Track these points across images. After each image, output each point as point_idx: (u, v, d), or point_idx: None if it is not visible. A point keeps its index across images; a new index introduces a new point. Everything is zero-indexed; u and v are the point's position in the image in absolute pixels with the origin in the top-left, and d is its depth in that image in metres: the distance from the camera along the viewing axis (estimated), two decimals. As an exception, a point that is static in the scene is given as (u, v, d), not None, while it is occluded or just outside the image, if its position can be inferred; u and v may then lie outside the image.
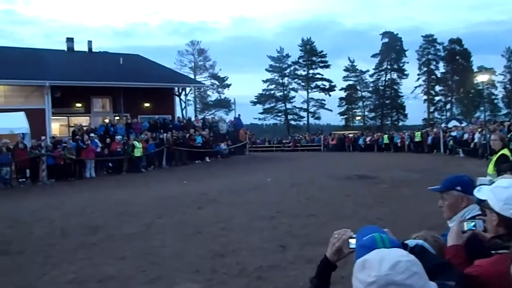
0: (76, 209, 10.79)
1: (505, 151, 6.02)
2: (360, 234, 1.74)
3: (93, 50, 30.25)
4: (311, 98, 64.40)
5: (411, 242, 1.92)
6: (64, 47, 29.08)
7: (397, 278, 1.18)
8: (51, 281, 5.80)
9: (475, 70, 56.28)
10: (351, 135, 40.21)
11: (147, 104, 26.73)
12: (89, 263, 6.47)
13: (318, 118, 65.18)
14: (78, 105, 25.46)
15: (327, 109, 64.19)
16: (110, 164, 20.37)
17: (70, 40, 29.29)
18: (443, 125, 34.04)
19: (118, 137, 20.62)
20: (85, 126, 22.62)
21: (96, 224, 8.99)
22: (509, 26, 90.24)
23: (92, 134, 20.23)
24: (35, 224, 9.25)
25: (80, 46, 30.64)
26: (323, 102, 64.08)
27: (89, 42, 30.20)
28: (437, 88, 63.16)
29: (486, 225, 2.04)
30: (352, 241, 1.78)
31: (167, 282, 5.56)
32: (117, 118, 24.75)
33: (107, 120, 24.37)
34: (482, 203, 2.07)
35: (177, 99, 28.18)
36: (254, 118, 63.03)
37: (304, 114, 65.07)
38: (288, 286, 5.26)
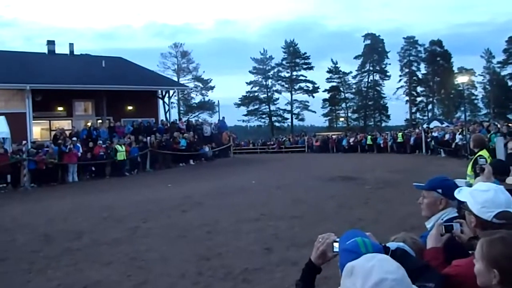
0: (60, 215, 10.68)
1: (483, 152, 6.12)
2: (343, 238, 1.79)
3: (75, 53, 29.97)
4: (295, 100, 64.83)
5: (391, 245, 1.98)
6: (45, 50, 28.74)
7: None
8: (36, 288, 5.75)
9: (456, 71, 57.25)
10: (335, 136, 40.47)
11: (130, 107, 26.56)
12: (74, 269, 6.42)
13: (302, 119, 65.66)
14: (60, 108, 25.21)
15: (310, 110, 64.70)
16: (93, 168, 20.18)
17: (51, 43, 29.01)
18: (424, 125, 34.55)
19: (100, 141, 20.46)
20: (67, 130, 22.39)
21: (80, 229, 8.91)
22: (488, 27, 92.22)
23: (74, 138, 20.01)
24: (18, 230, 9.13)
25: (61, 48, 30.35)
26: (306, 103, 64.56)
27: (71, 45, 29.96)
28: (419, 89, 64.08)
29: (463, 228, 2.13)
30: (336, 245, 1.83)
31: (153, 287, 5.57)
32: (99, 121, 24.54)
33: (89, 124, 24.15)
34: (461, 205, 2.15)
35: (160, 102, 28.06)
36: (238, 120, 63.18)
37: (288, 115, 65.43)
38: (274, 288, 5.31)
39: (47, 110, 24.02)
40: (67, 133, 21.41)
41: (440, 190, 2.57)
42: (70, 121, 25.08)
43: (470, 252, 1.95)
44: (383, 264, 1.29)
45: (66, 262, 6.76)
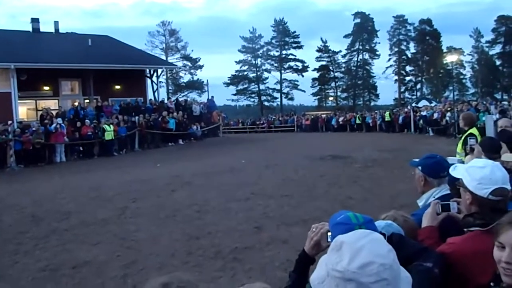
0: (47, 195, 10.57)
1: (473, 130, 6.13)
2: (333, 217, 1.74)
3: (60, 31, 29.30)
4: (284, 79, 64.65)
5: (383, 227, 1.91)
6: (29, 28, 28.05)
7: (363, 279, 1.15)
8: (24, 269, 5.69)
9: (445, 50, 57.35)
10: (324, 115, 40.54)
11: (117, 87, 26.14)
12: (62, 249, 6.36)
13: (291, 99, 65.60)
14: (46, 88, 24.70)
15: (300, 89, 64.63)
16: (81, 148, 19.98)
17: (35, 21, 28.21)
18: (413, 104, 34.67)
19: (88, 121, 20.21)
20: (53, 109, 22.03)
21: (68, 209, 8.83)
22: (478, 6, 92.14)
23: (59, 119, 19.69)
24: (5, 211, 9.02)
25: (46, 27, 29.62)
26: (296, 83, 64.47)
27: (56, 23, 29.25)
28: (408, 68, 64.17)
29: (460, 206, 2.09)
30: (330, 234, 1.77)
31: (142, 266, 5.54)
32: (86, 101, 24.19)
33: (76, 103, 23.76)
34: (456, 182, 2.10)
35: (148, 81, 27.66)
36: (228, 100, 62.98)
37: (277, 95, 65.23)
38: (264, 267, 5.31)
39: (32, 89, 23.51)
40: (54, 112, 21.07)
41: (420, 167, 2.65)
42: (56, 101, 24.63)
43: (465, 230, 1.92)
44: (374, 246, 1.21)
45: (54, 242, 6.70)
